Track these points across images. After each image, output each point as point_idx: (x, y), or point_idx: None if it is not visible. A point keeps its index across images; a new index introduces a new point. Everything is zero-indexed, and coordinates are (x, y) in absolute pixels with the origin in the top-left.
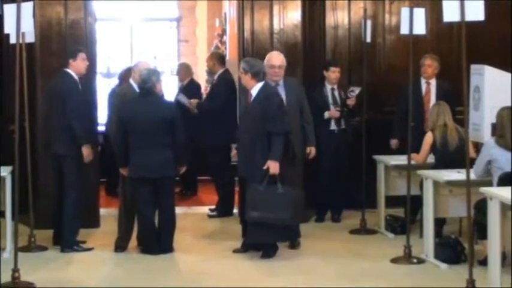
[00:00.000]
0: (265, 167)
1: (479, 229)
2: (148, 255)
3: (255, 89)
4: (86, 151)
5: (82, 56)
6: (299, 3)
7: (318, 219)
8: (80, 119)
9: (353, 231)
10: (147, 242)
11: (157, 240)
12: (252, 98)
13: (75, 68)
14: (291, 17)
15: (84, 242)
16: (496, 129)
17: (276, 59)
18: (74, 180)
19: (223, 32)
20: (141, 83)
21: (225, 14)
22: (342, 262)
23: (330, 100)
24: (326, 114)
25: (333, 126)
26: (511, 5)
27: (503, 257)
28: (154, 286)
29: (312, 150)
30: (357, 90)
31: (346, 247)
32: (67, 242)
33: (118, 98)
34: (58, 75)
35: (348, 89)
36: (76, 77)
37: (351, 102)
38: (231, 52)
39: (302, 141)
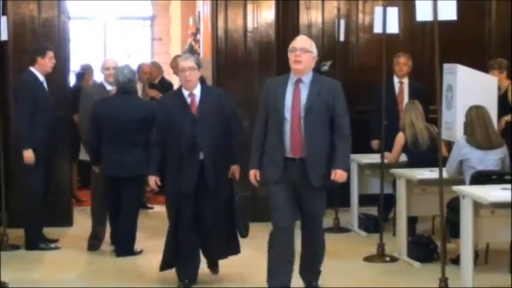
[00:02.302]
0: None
1: (452, 227)
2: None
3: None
4: (27, 155)
5: (50, 54)
6: (273, 2)
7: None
8: (31, 121)
9: (326, 230)
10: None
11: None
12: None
13: (42, 66)
14: (264, 15)
15: (56, 241)
16: (466, 128)
17: (299, 40)
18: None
19: (197, 30)
20: (126, 82)
21: (199, 12)
22: None
23: None
24: None
25: None
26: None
27: (476, 255)
28: (125, 286)
29: None
30: (328, 63)
31: None
32: (31, 242)
33: (87, 96)
34: (22, 73)
35: (319, 65)
36: (41, 77)
37: None
38: (204, 50)
39: None
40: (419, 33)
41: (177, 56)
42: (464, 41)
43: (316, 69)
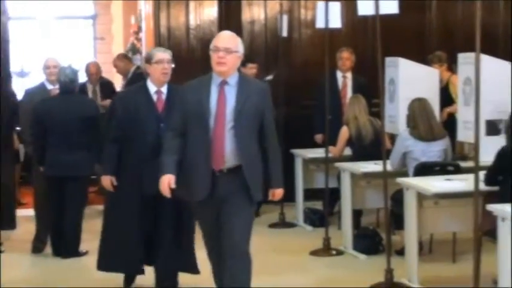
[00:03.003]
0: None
1: (396, 219)
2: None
3: None
4: None
5: None
6: None
7: None
8: None
9: (272, 225)
10: (55, 243)
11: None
12: None
13: None
14: (207, 12)
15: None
16: (409, 121)
17: (222, 39)
18: None
19: (139, 29)
20: (68, 82)
21: (140, 10)
22: (261, 256)
23: None
24: None
25: None
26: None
27: (420, 246)
28: (69, 287)
29: None
30: (269, 77)
31: (265, 241)
32: None
33: (28, 97)
34: None
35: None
36: None
37: None
38: (147, 49)
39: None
40: (361, 28)
41: (121, 55)
42: (406, 35)
43: (257, 75)
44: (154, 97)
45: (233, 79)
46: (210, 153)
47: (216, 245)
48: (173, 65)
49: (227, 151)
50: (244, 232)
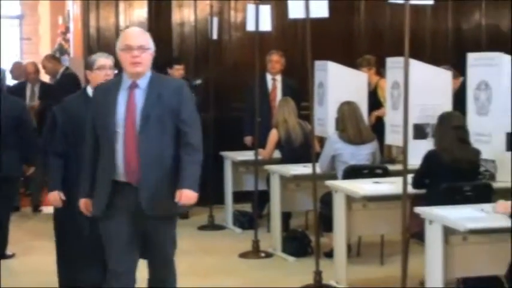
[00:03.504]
0: None
1: (325, 222)
2: None
3: None
4: None
5: None
6: (145, 0)
7: None
8: None
9: (201, 228)
10: None
11: None
12: None
13: None
14: (137, 13)
15: None
16: (338, 124)
17: (134, 36)
18: None
19: (67, 29)
20: None
21: (69, 11)
22: (190, 259)
23: None
24: None
25: None
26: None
27: (349, 248)
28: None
29: None
30: (198, 81)
31: (194, 243)
32: None
33: None
34: None
35: (190, 82)
36: None
37: None
38: (75, 49)
39: None
40: (291, 31)
41: (49, 56)
42: (335, 38)
43: (183, 76)
44: None
45: (144, 81)
46: (121, 164)
47: (122, 257)
48: (116, 71)
49: (138, 161)
50: (167, 247)
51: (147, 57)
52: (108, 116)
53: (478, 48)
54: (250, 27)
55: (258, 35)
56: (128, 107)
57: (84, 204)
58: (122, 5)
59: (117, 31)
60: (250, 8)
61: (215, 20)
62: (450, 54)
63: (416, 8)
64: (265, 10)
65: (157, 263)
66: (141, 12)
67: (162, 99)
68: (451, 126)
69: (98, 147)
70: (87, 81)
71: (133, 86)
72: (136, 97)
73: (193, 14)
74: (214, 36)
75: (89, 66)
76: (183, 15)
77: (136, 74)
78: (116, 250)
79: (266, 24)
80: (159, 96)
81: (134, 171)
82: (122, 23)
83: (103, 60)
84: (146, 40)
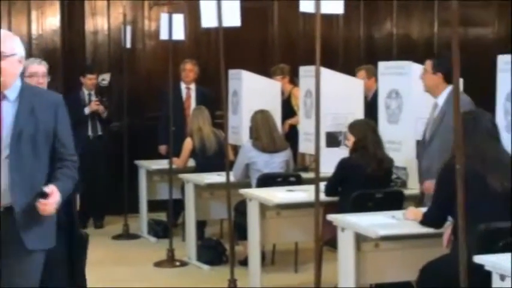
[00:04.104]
0: None
1: (240, 230)
2: None
3: None
4: None
5: None
6: (58, 8)
7: (80, 226)
8: None
9: (116, 237)
10: None
11: None
12: None
13: None
14: (49, 21)
15: None
16: (251, 132)
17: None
18: None
19: None
20: None
21: None
22: (105, 268)
23: (87, 104)
24: (86, 110)
25: (90, 132)
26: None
27: (263, 256)
28: None
29: None
30: (107, 77)
31: (109, 253)
32: None
33: None
34: None
35: (98, 79)
36: None
37: (94, 106)
38: None
39: None
40: (205, 40)
41: None
42: (249, 47)
43: (96, 85)
44: None
45: (13, 92)
46: None
47: None
48: (49, 79)
49: (3, 186)
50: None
51: (6, 65)
52: None
53: (389, 56)
54: (164, 36)
55: (172, 43)
56: None
57: None
58: (34, 13)
59: (30, 39)
60: (164, 17)
61: (128, 29)
62: (362, 63)
63: (329, 17)
64: (179, 19)
65: None
66: (53, 20)
67: (36, 114)
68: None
69: None
70: None
71: (2, 98)
72: (3, 110)
73: (106, 22)
74: (128, 44)
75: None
76: (97, 24)
77: None
78: None
79: (179, 33)
80: (32, 110)
81: None
82: (34, 32)
83: (35, 67)
84: (9, 46)
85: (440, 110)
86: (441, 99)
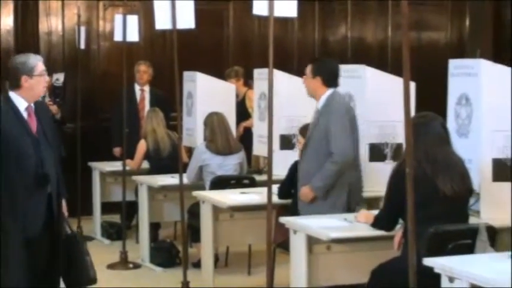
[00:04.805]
0: None
1: (193, 232)
2: None
3: None
4: None
5: None
6: (11, 7)
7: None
8: None
9: None
10: None
11: None
12: None
13: None
14: (3, 22)
15: None
16: (206, 135)
17: None
18: None
19: None
20: None
21: None
22: None
23: None
24: None
25: None
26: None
27: (216, 258)
28: None
29: None
30: (61, 77)
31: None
32: None
33: None
34: None
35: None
36: None
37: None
38: None
39: None
40: (159, 41)
41: None
42: (204, 49)
43: (50, 85)
44: (25, 115)
45: None
46: None
47: None
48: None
49: None
50: None
51: None
52: None
53: (344, 60)
54: (118, 37)
55: (126, 45)
56: None
57: None
58: None
59: None
60: (118, 18)
61: (83, 30)
62: None
63: (284, 20)
64: (133, 20)
65: None
66: (7, 20)
67: None
68: None
69: None
70: (17, 88)
71: None
72: None
73: (60, 22)
74: (82, 45)
75: (27, 71)
76: (51, 24)
77: None
78: None
79: (134, 34)
80: None
81: None
82: None
83: (42, 64)
84: None
85: (317, 112)
86: (321, 102)
